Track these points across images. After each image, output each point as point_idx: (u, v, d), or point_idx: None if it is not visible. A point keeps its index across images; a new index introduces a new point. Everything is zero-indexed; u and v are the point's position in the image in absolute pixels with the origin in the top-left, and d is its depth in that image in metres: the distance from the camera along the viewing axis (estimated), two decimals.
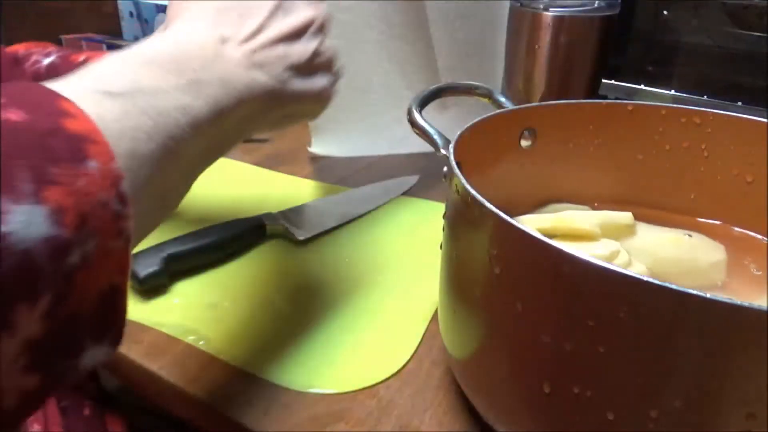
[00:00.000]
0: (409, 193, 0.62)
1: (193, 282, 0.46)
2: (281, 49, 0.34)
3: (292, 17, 0.35)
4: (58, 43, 1.20)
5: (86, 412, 0.46)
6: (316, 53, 0.35)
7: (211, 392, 0.36)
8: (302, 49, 0.35)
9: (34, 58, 0.53)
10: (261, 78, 0.31)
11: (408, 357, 0.39)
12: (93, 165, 0.19)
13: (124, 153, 0.21)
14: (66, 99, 0.20)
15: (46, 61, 0.52)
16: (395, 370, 0.37)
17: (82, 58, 0.52)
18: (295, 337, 0.40)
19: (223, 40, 0.31)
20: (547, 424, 0.26)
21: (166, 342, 0.40)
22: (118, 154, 0.20)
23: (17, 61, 0.52)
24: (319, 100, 0.37)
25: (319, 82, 0.36)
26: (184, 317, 0.42)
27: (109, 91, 0.22)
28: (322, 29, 0.36)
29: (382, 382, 0.36)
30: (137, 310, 0.42)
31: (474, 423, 0.34)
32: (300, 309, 0.43)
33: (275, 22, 0.34)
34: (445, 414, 0.34)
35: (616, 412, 0.22)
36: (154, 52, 0.27)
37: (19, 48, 0.56)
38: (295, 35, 0.34)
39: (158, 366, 0.38)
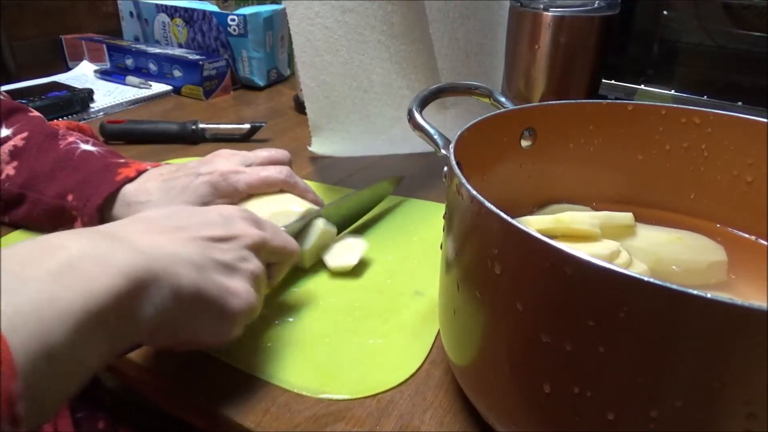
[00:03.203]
0: (409, 193, 0.62)
1: None
2: (205, 236, 0.33)
3: (223, 226, 0.35)
4: (59, 43, 1.19)
5: (101, 425, 0.46)
6: (242, 257, 0.34)
7: (212, 393, 0.36)
8: (228, 246, 0.34)
9: (72, 139, 0.53)
10: (171, 246, 0.30)
11: (421, 361, 0.38)
12: None
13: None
14: None
15: (84, 147, 0.53)
16: (407, 375, 0.37)
17: (121, 161, 0.52)
18: (301, 341, 0.40)
19: (120, 227, 0.31)
20: (547, 424, 0.26)
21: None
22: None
23: (55, 135, 0.53)
24: (230, 308, 0.32)
25: (238, 283, 0.33)
26: None
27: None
28: (255, 248, 0.36)
29: (396, 387, 0.36)
30: None
31: (474, 423, 0.34)
32: (304, 312, 0.43)
33: (209, 218, 0.34)
34: (445, 414, 0.34)
35: (617, 412, 0.22)
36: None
37: (61, 125, 0.57)
38: (217, 239, 0.34)
39: (159, 366, 0.38)
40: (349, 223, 0.54)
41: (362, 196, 0.55)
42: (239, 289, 0.33)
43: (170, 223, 0.33)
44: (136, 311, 0.27)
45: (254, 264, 0.35)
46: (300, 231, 0.47)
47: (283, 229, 0.42)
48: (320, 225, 0.48)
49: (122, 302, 0.26)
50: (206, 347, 0.36)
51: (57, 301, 0.23)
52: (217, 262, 0.33)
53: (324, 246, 0.49)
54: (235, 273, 0.34)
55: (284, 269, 0.41)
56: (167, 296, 0.29)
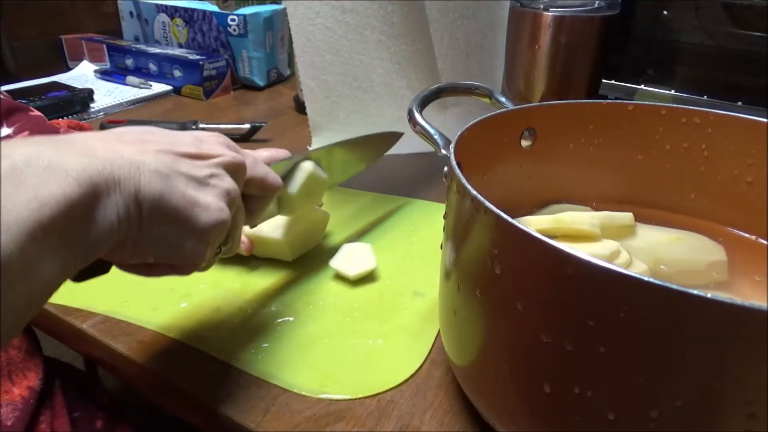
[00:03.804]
0: (409, 193, 0.62)
1: (199, 287, 0.46)
2: (174, 150, 0.30)
3: (193, 145, 0.32)
4: (59, 43, 1.20)
5: (98, 424, 0.46)
6: (214, 174, 0.32)
7: (212, 392, 0.36)
8: (199, 163, 0.31)
9: None
10: (134, 155, 0.28)
11: (421, 362, 0.38)
12: None
13: None
14: None
15: None
16: (407, 375, 0.37)
17: None
18: (301, 341, 0.40)
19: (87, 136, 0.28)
20: (547, 424, 0.26)
21: (166, 343, 0.40)
22: None
23: (56, 134, 0.53)
24: (198, 221, 0.30)
25: (208, 197, 0.31)
26: (188, 320, 0.42)
27: None
28: (230, 168, 0.33)
29: (396, 387, 0.36)
30: (142, 313, 0.42)
31: (474, 423, 0.34)
32: (304, 312, 0.43)
33: (180, 138, 0.32)
34: (445, 414, 0.34)
35: (617, 412, 0.22)
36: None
37: (62, 124, 0.57)
38: (187, 155, 0.31)
39: (158, 366, 0.38)
40: (341, 173, 0.52)
41: (356, 144, 0.52)
42: (209, 203, 0.31)
43: (135, 136, 0.30)
44: (93, 221, 0.25)
45: (227, 182, 0.33)
46: (287, 173, 0.44)
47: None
48: (308, 167, 0.45)
49: (76, 211, 0.24)
50: (179, 270, 0.34)
51: (4, 211, 0.21)
52: (186, 174, 0.30)
53: (314, 194, 0.46)
54: (205, 187, 0.31)
55: (265, 204, 0.39)
56: (128, 205, 0.26)
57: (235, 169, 0.34)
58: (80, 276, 0.31)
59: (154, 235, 0.29)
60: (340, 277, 0.47)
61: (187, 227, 0.30)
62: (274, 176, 0.38)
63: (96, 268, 0.32)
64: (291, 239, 0.47)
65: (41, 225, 0.22)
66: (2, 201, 0.22)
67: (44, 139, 0.26)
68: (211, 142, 0.34)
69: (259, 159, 0.38)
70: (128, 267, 0.33)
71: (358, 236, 0.54)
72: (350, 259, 0.49)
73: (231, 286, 0.46)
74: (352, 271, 0.47)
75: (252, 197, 0.37)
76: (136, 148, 0.29)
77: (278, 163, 0.42)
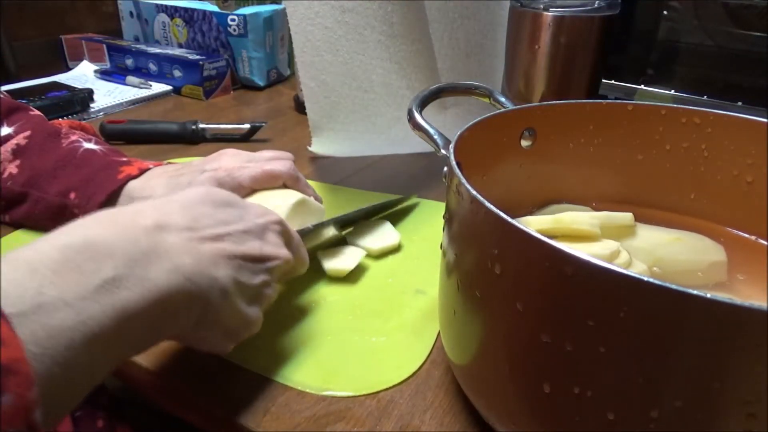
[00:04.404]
0: (410, 193, 0.62)
1: None
2: (241, 254, 0.32)
3: (258, 243, 0.34)
4: (59, 43, 1.19)
5: (99, 424, 0.46)
6: (267, 284, 0.34)
7: (212, 392, 0.36)
8: (258, 268, 0.33)
9: (74, 138, 0.53)
10: (210, 267, 0.30)
11: (423, 359, 0.38)
12: (6, 399, 0.19)
13: None
14: (4, 321, 0.20)
15: (87, 145, 0.53)
16: (410, 373, 0.37)
17: (124, 159, 0.52)
18: (304, 339, 0.40)
19: (161, 227, 0.29)
20: (547, 424, 0.26)
21: (167, 343, 0.40)
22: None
23: (58, 134, 0.53)
24: (239, 332, 0.34)
25: (254, 311, 0.34)
26: None
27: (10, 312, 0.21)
28: (280, 271, 0.36)
29: (396, 386, 0.36)
30: None
31: (474, 423, 0.34)
32: (306, 310, 0.43)
33: (238, 234, 0.33)
34: (445, 414, 0.34)
35: (617, 412, 0.22)
36: (78, 240, 0.26)
37: (64, 124, 0.57)
38: (251, 259, 0.33)
39: (158, 366, 0.38)
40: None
41: (374, 209, 0.55)
42: (254, 320, 0.34)
43: (213, 230, 0.32)
44: (160, 325, 0.28)
45: (273, 290, 0.36)
46: (308, 234, 0.46)
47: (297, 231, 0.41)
48: (331, 231, 0.47)
49: (151, 319, 0.26)
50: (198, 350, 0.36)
51: (89, 322, 0.23)
52: (245, 287, 0.33)
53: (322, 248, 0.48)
54: (256, 302, 0.34)
55: (284, 279, 0.41)
56: (192, 318, 0.29)
57: (284, 273, 0.37)
58: None
59: (200, 335, 0.32)
60: (346, 278, 0.47)
61: (230, 336, 0.33)
62: (306, 263, 0.41)
63: None
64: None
65: (116, 333, 0.25)
66: (93, 313, 0.24)
67: (141, 240, 0.28)
68: (271, 231, 0.36)
69: (301, 243, 0.40)
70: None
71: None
72: (371, 234, 0.50)
73: None
74: (376, 245, 0.48)
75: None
76: (212, 250, 0.31)
77: (307, 230, 0.44)
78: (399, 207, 0.59)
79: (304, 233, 0.43)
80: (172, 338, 0.32)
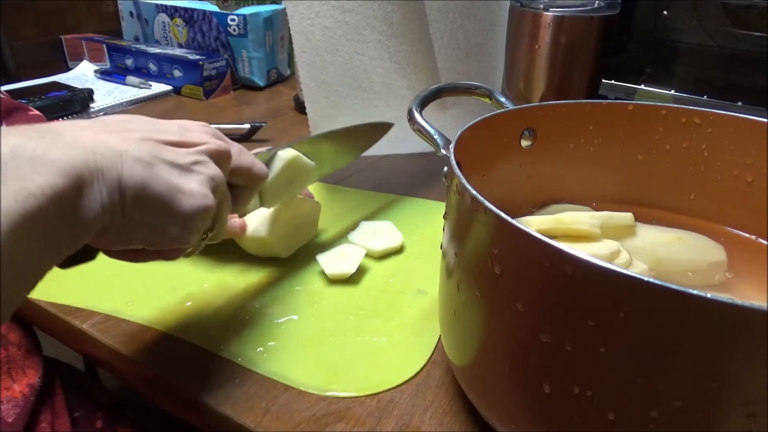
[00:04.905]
0: (410, 193, 0.62)
1: (203, 286, 0.46)
2: (158, 138, 0.30)
3: (185, 134, 0.32)
4: (59, 43, 1.19)
5: (98, 424, 0.46)
6: (198, 161, 0.32)
7: (211, 392, 0.36)
8: (183, 150, 0.31)
9: None
10: (118, 143, 0.28)
11: (425, 359, 0.39)
12: None
13: None
14: None
15: None
16: (412, 373, 0.37)
17: None
18: (306, 339, 0.40)
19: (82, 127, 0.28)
20: (547, 424, 0.26)
21: (165, 342, 0.40)
22: None
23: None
24: (182, 209, 0.30)
25: (191, 183, 0.31)
26: (193, 320, 0.42)
27: None
28: (215, 156, 0.33)
29: (397, 386, 0.36)
30: (146, 313, 0.42)
31: (474, 423, 0.34)
32: (307, 311, 0.43)
33: (165, 126, 0.32)
34: (445, 414, 0.35)
35: (617, 412, 0.22)
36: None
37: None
38: (181, 144, 0.31)
39: (157, 365, 0.38)
40: (331, 164, 0.52)
41: (345, 134, 0.52)
42: (192, 189, 0.31)
43: (119, 125, 0.30)
44: (78, 210, 0.26)
45: (211, 169, 0.33)
46: (269, 161, 0.43)
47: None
48: (286, 154, 0.43)
49: (62, 201, 0.24)
50: (165, 255, 0.34)
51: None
52: (169, 161, 0.30)
53: (297, 182, 0.46)
54: (188, 174, 0.31)
55: (251, 194, 0.39)
56: (112, 193, 0.27)
57: (219, 157, 0.34)
58: (67, 263, 0.31)
59: (139, 221, 0.29)
60: (348, 278, 0.47)
61: (171, 213, 0.30)
62: (260, 165, 0.38)
63: (83, 255, 0.32)
64: (279, 235, 0.47)
65: (27, 215, 0.23)
66: None
67: (30, 129, 0.26)
68: (196, 130, 0.34)
69: (244, 149, 0.38)
70: (115, 253, 0.33)
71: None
72: (373, 235, 0.49)
73: (234, 285, 0.46)
74: (378, 246, 0.47)
75: (238, 187, 0.37)
76: (120, 136, 0.29)
77: (262, 153, 0.42)
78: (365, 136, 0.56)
79: (256, 154, 0.40)
80: (117, 243, 0.30)
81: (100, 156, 0.26)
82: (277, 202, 0.45)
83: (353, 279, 0.47)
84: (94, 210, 0.26)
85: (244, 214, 0.44)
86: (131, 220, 0.28)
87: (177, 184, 0.30)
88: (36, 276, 0.25)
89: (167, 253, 0.34)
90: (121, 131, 0.30)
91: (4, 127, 0.25)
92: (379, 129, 0.56)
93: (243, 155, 0.37)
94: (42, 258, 0.25)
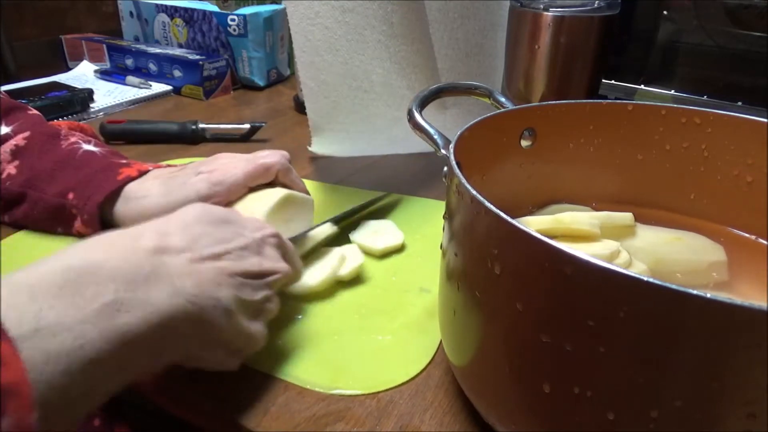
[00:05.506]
0: (410, 193, 0.62)
1: None
2: (241, 271, 0.32)
3: (257, 259, 0.34)
4: (59, 43, 1.19)
5: (96, 423, 0.46)
6: (268, 299, 0.34)
7: (211, 392, 0.36)
8: (258, 284, 0.33)
9: (74, 139, 0.53)
10: (211, 287, 0.30)
11: (430, 357, 0.39)
12: (6, 422, 0.19)
13: None
14: (5, 340, 0.20)
15: (86, 147, 0.53)
16: (417, 370, 0.37)
17: (123, 161, 0.52)
18: (311, 338, 0.40)
19: (161, 250, 0.29)
20: (547, 424, 0.26)
21: None
22: None
23: (57, 135, 0.53)
24: (244, 349, 0.34)
25: (257, 327, 0.34)
26: None
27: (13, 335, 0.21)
28: (276, 285, 0.35)
29: (401, 385, 0.36)
30: None
31: (474, 423, 0.34)
32: (311, 310, 0.43)
33: (237, 252, 0.33)
34: (445, 414, 0.34)
35: (616, 412, 0.22)
36: (79, 263, 0.26)
37: (63, 125, 0.57)
38: (251, 275, 0.33)
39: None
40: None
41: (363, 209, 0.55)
42: (258, 335, 0.34)
43: (212, 249, 0.32)
44: (161, 349, 0.28)
45: (275, 304, 0.36)
46: (302, 239, 0.46)
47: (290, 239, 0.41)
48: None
49: (152, 343, 0.26)
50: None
51: (87, 347, 0.23)
52: (247, 304, 0.33)
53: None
54: (258, 316, 0.34)
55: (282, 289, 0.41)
56: (195, 340, 0.29)
57: (283, 285, 0.37)
58: None
59: (204, 354, 0.31)
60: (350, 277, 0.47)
61: (235, 353, 0.33)
62: (300, 275, 0.40)
63: None
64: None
65: (114, 358, 0.25)
66: (92, 337, 0.24)
67: (143, 264, 0.28)
68: (268, 245, 0.36)
69: (297, 257, 0.39)
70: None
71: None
72: (374, 234, 0.49)
73: None
74: (379, 244, 0.47)
75: None
76: (213, 270, 0.31)
77: (300, 237, 0.45)
78: (380, 204, 0.59)
79: (297, 239, 0.43)
80: (176, 362, 0.31)
81: (196, 305, 0.29)
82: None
83: (356, 278, 0.46)
84: (172, 349, 0.29)
85: None
86: (198, 354, 0.31)
87: (249, 332, 0.33)
88: (101, 399, 0.26)
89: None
90: (212, 259, 0.31)
91: (117, 253, 0.27)
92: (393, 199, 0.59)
93: (295, 269, 0.38)
94: (112, 386, 0.26)
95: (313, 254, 0.47)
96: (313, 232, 0.46)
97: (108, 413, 0.49)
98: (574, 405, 0.24)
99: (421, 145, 0.39)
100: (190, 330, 0.29)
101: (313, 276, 0.44)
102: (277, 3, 1.08)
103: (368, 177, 0.67)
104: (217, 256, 0.32)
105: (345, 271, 0.45)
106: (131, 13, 1.11)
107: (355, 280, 0.47)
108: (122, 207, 0.48)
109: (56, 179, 0.50)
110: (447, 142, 0.33)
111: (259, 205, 0.45)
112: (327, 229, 0.48)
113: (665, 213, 0.41)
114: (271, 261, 0.35)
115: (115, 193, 0.48)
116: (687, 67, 0.66)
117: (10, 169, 0.51)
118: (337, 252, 0.47)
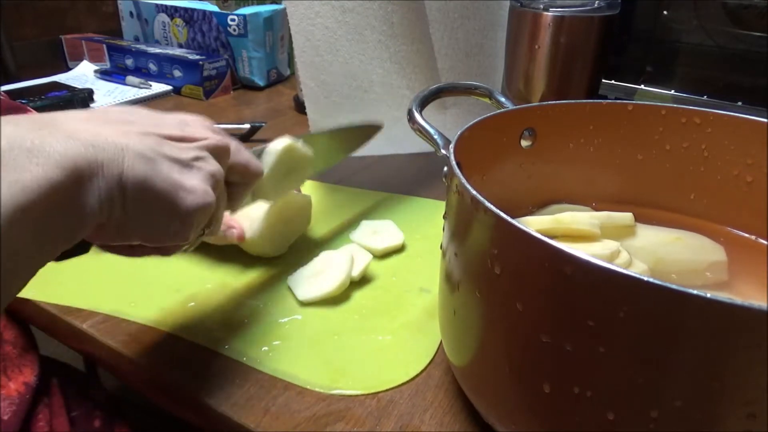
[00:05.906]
0: (410, 193, 0.62)
1: (205, 286, 0.46)
2: (159, 132, 0.30)
3: (185, 129, 0.32)
4: (59, 43, 1.19)
5: (96, 423, 0.46)
6: (199, 157, 0.31)
7: (211, 391, 0.36)
8: (184, 145, 0.31)
9: None
10: (118, 137, 0.27)
11: (430, 357, 0.39)
12: None
13: None
14: None
15: None
16: (418, 370, 0.37)
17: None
18: (311, 338, 0.40)
19: (88, 119, 0.27)
20: (547, 424, 0.26)
21: (166, 342, 0.40)
22: None
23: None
24: (182, 206, 0.30)
25: (193, 179, 0.30)
26: (196, 320, 0.42)
27: None
28: (215, 151, 0.33)
29: (400, 385, 0.37)
30: (149, 313, 0.42)
31: (474, 423, 0.34)
32: (311, 310, 0.43)
33: (165, 120, 0.31)
34: (445, 414, 0.34)
35: (616, 412, 0.22)
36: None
37: None
38: (182, 139, 0.31)
39: (156, 364, 0.38)
40: (322, 162, 0.51)
41: (335, 134, 0.52)
42: (194, 186, 0.30)
43: (119, 117, 0.30)
44: (76, 204, 0.25)
45: (212, 165, 0.32)
46: (261, 154, 0.42)
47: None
48: (278, 145, 0.43)
49: (59, 195, 0.24)
50: (162, 251, 0.34)
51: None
52: (170, 157, 0.29)
53: (294, 174, 0.45)
54: (189, 170, 0.30)
55: (246, 192, 0.38)
56: (111, 189, 0.26)
57: (219, 153, 0.33)
58: (60, 256, 0.30)
59: (138, 217, 0.28)
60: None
61: (172, 210, 0.29)
62: (256, 163, 0.38)
63: (76, 249, 0.31)
64: (264, 236, 0.46)
65: (23, 208, 0.22)
66: None
67: (29, 119, 0.25)
68: (196, 124, 0.33)
69: (242, 146, 0.37)
70: (110, 248, 0.33)
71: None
72: (374, 234, 0.49)
73: (237, 285, 0.46)
74: (379, 245, 0.47)
75: (233, 184, 0.37)
76: (120, 129, 0.28)
77: (256, 149, 0.41)
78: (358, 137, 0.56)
79: (258, 152, 0.40)
80: (116, 238, 0.29)
81: (101, 150, 0.26)
82: (275, 197, 0.44)
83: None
84: (93, 205, 0.26)
85: (236, 211, 0.43)
86: (131, 217, 0.28)
87: (179, 180, 0.29)
88: (31, 270, 0.25)
89: (164, 248, 0.33)
90: (121, 124, 0.29)
91: (3, 117, 0.25)
92: (368, 129, 0.56)
93: (240, 152, 0.36)
94: (38, 252, 0.24)
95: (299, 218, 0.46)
96: (270, 145, 0.43)
97: (108, 413, 0.49)
98: (574, 405, 0.24)
99: (421, 145, 0.39)
100: (96, 178, 0.26)
101: (328, 282, 0.44)
102: (277, 3, 1.08)
103: (368, 177, 0.67)
104: (127, 122, 0.29)
105: (355, 272, 0.45)
106: (131, 13, 1.11)
107: (355, 279, 0.47)
108: None
109: None
110: (447, 142, 0.33)
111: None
112: (285, 140, 0.44)
113: (665, 213, 0.41)
114: (200, 131, 0.33)
115: None
116: (687, 67, 0.66)
117: None
118: (346, 254, 0.46)
